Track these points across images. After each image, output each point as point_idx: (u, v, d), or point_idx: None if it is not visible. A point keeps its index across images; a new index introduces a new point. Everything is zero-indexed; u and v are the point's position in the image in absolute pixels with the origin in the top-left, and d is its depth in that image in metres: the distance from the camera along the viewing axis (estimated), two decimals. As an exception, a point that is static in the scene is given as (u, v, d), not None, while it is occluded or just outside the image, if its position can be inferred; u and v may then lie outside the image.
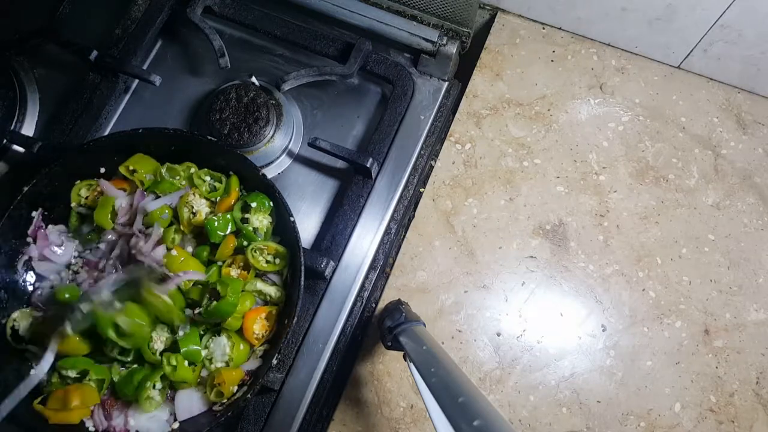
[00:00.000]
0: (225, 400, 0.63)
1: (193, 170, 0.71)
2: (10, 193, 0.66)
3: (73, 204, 0.70)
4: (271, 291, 0.67)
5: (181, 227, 0.67)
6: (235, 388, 0.64)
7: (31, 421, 0.61)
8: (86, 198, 0.71)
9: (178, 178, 0.70)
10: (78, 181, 0.71)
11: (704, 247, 0.76)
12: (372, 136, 0.76)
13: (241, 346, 0.65)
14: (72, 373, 0.63)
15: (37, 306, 0.67)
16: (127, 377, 0.63)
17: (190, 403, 0.64)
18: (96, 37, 0.83)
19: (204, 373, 0.65)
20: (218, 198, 0.70)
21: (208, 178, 0.71)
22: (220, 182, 0.71)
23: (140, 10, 0.83)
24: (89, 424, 0.62)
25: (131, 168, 0.70)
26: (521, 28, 0.87)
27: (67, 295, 0.64)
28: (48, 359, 0.60)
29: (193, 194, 0.68)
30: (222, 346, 0.64)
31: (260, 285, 0.67)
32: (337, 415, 0.70)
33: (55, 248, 0.68)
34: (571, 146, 0.80)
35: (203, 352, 0.64)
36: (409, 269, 0.75)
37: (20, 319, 0.65)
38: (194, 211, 0.68)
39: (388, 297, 0.74)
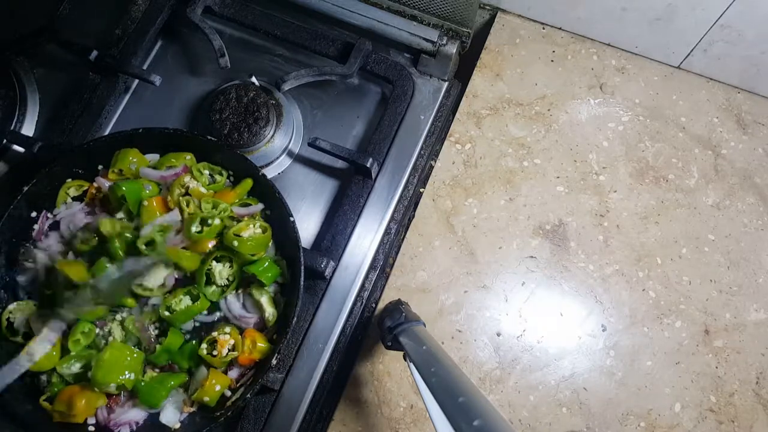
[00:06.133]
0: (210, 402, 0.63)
1: (189, 157, 0.71)
2: (10, 193, 0.66)
3: (58, 201, 0.70)
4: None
5: (170, 203, 0.67)
6: (228, 392, 0.64)
7: (32, 420, 0.61)
8: (74, 198, 0.71)
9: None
10: (69, 180, 0.71)
11: (704, 247, 0.76)
12: (372, 136, 0.76)
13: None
14: (75, 368, 0.63)
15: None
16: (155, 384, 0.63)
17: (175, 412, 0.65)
18: (96, 37, 0.83)
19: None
20: (217, 190, 0.70)
21: (207, 172, 0.71)
22: (221, 174, 0.71)
23: (140, 10, 0.83)
24: (90, 421, 0.63)
25: (117, 170, 0.69)
26: (521, 28, 0.87)
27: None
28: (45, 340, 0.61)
29: (189, 177, 0.68)
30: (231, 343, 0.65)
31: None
32: (337, 414, 0.70)
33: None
34: (571, 146, 0.80)
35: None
36: (409, 269, 0.75)
37: (16, 312, 0.65)
38: (189, 191, 0.68)
39: (388, 297, 0.74)
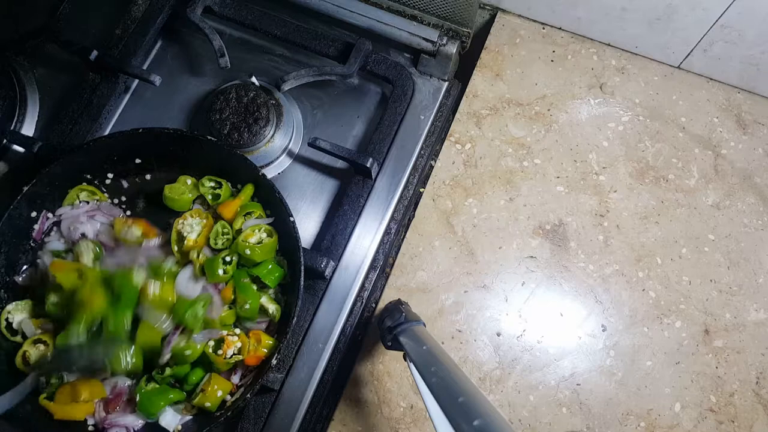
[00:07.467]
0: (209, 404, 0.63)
1: (190, 181, 0.71)
2: (10, 193, 0.66)
3: (65, 201, 0.71)
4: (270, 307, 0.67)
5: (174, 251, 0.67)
6: (229, 397, 0.64)
7: (33, 419, 0.61)
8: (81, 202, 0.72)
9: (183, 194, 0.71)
10: (84, 184, 0.72)
11: (704, 247, 0.76)
12: (372, 136, 0.76)
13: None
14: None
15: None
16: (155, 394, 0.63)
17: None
18: (96, 37, 0.83)
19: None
20: (219, 204, 0.70)
21: (212, 184, 0.71)
22: (220, 186, 0.71)
23: (140, 10, 0.83)
24: (90, 421, 0.63)
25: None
26: (521, 28, 0.87)
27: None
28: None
29: (183, 221, 0.68)
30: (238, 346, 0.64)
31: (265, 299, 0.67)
32: (337, 414, 0.70)
33: None
34: (571, 146, 0.80)
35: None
36: (409, 269, 0.75)
37: (15, 312, 0.65)
38: (184, 236, 0.67)
39: (388, 297, 0.74)
